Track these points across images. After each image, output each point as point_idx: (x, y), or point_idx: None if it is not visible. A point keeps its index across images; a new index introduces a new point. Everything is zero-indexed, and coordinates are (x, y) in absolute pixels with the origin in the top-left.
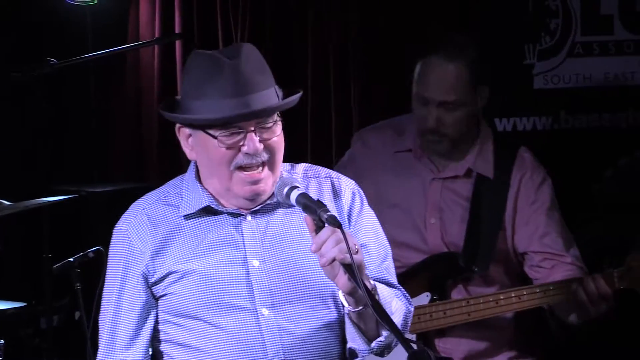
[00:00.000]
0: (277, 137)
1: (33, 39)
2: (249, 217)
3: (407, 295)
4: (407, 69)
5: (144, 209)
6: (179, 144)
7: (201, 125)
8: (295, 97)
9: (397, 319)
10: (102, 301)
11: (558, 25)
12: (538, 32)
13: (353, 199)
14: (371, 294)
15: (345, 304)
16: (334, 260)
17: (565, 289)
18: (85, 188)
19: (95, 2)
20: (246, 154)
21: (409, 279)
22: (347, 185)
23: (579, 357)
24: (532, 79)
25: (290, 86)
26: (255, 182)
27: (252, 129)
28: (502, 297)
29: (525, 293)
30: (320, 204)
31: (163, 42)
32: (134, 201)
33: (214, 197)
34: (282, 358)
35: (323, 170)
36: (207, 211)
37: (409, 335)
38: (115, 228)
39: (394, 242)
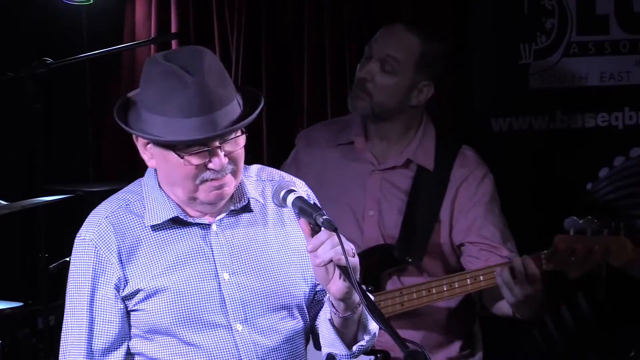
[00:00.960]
0: (241, 148)
1: (28, 38)
2: (214, 228)
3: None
4: None
5: (107, 217)
6: None
7: (165, 144)
8: (257, 111)
9: (375, 325)
10: (66, 319)
11: (554, 25)
12: (534, 32)
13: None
14: (367, 295)
15: (334, 311)
16: (330, 261)
17: (494, 274)
18: (81, 188)
19: (91, 1)
20: (212, 169)
21: None
22: (301, 189)
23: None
24: (528, 79)
25: (286, 86)
26: (220, 186)
27: (218, 145)
28: (433, 286)
29: (456, 280)
30: (316, 208)
31: (159, 41)
32: None
33: (179, 207)
34: None
35: (277, 173)
36: (174, 221)
37: None
38: (77, 239)
39: None
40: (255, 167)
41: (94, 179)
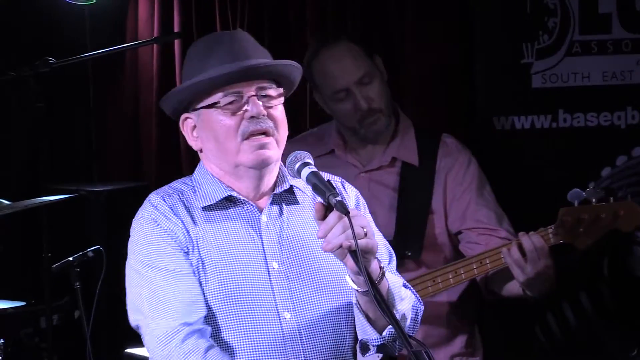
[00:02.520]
0: (280, 111)
1: (31, 37)
2: (264, 218)
3: (417, 295)
4: (406, 65)
5: (162, 198)
6: (178, 143)
7: (199, 98)
8: (292, 62)
9: (407, 305)
10: (143, 286)
11: (556, 24)
12: (536, 31)
13: (357, 203)
14: (374, 282)
15: (354, 286)
16: (340, 246)
17: (500, 255)
18: (84, 187)
19: (94, 1)
20: (251, 117)
21: None
22: (352, 190)
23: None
24: (531, 78)
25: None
26: (261, 146)
27: (253, 93)
28: (438, 275)
29: (461, 267)
30: (330, 187)
31: (162, 41)
32: (132, 200)
33: (231, 188)
34: None
35: (326, 175)
36: (227, 201)
37: None
38: (135, 220)
39: None
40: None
41: (97, 178)
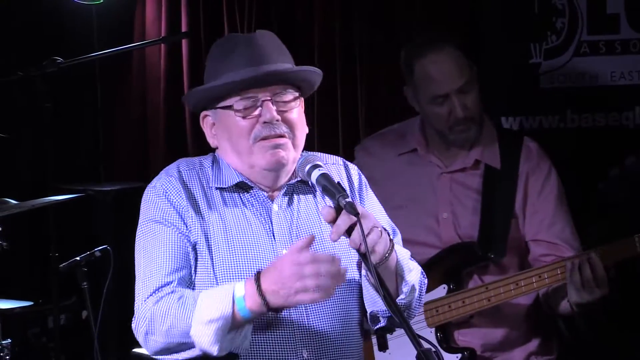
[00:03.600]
0: (296, 114)
1: (39, 37)
2: (275, 207)
3: (422, 270)
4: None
5: (178, 172)
6: (185, 142)
7: (217, 98)
8: (310, 67)
9: (415, 276)
10: (139, 257)
11: (564, 24)
12: (544, 31)
13: (360, 182)
14: (383, 283)
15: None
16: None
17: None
18: (91, 187)
19: (102, 1)
20: (264, 122)
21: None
22: (355, 171)
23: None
24: (539, 78)
25: None
26: (275, 146)
27: (268, 98)
28: (522, 279)
29: (545, 270)
30: (340, 189)
31: (169, 41)
32: (139, 200)
33: (244, 175)
34: (307, 352)
35: (330, 157)
36: (239, 188)
37: (426, 331)
38: (147, 188)
39: (407, 242)
40: (319, 153)
41: (104, 178)
